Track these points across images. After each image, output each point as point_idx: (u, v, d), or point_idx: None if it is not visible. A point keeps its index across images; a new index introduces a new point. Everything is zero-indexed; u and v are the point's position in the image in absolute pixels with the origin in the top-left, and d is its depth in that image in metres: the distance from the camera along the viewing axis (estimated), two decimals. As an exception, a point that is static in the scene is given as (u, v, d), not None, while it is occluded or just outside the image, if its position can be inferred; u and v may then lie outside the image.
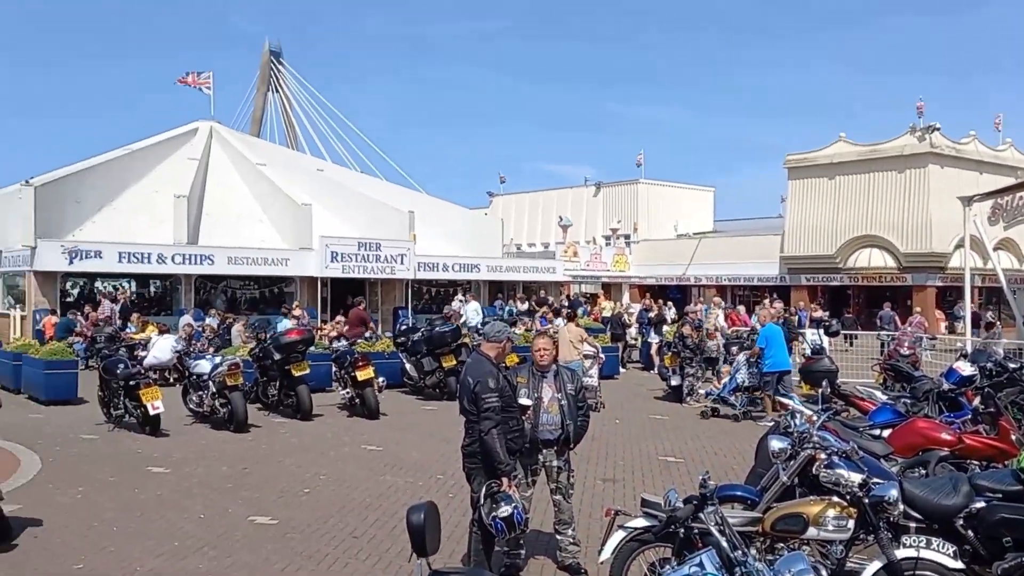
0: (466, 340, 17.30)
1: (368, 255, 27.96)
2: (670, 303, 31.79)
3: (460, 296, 27.72)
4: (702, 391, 15.54)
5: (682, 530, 5.05)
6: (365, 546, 7.54)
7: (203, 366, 13.74)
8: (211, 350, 17.09)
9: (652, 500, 5.68)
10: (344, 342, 16.17)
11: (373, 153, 49.23)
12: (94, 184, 27.91)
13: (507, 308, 29.14)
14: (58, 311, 23.14)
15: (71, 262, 24.09)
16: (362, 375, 14.31)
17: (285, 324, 18.56)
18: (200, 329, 20.77)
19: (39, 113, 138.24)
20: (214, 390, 13.31)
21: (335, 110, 51.48)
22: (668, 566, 4.87)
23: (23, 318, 24.26)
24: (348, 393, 14.78)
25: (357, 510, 8.69)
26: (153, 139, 32.57)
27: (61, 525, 8.03)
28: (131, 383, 12.73)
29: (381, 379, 14.79)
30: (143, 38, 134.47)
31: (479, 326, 20.68)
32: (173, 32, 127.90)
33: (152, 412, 12.40)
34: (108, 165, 29.64)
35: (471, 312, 24.64)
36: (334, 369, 16.05)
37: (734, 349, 16.48)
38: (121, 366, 13.11)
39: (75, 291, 26.01)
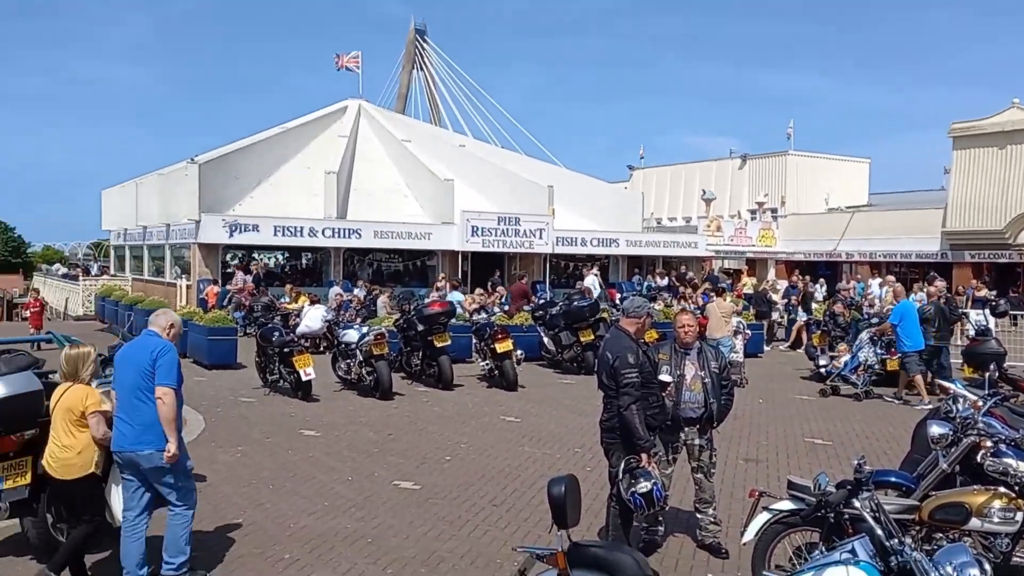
0: (604, 315, 17.22)
1: (507, 229, 28.20)
2: (821, 280, 30.54)
3: (594, 271, 27.51)
4: (822, 370, 15.04)
5: (832, 515, 4.83)
6: (504, 515, 7.66)
7: (351, 335, 14.29)
8: (358, 320, 17.74)
9: (800, 483, 5.47)
10: (484, 314, 16.40)
11: (513, 128, 49.66)
12: (252, 161, 29.40)
13: (645, 283, 28.76)
14: (219, 281, 24.65)
15: (231, 235, 25.50)
16: (501, 347, 14.49)
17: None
18: (348, 300, 21.61)
19: (205, 95, 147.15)
20: (361, 358, 13.82)
21: (476, 86, 52.00)
22: (817, 551, 4.69)
23: (188, 287, 25.93)
24: (487, 364, 15.02)
25: (497, 479, 8.83)
26: (306, 118, 33.92)
27: (222, 481, 8.58)
28: (285, 350, 13.39)
29: (519, 352, 14.94)
30: (298, 23, 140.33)
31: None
32: (326, 16, 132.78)
33: (304, 378, 13.02)
34: (265, 143, 31.13)
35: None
36: (474, 341, 16.33)
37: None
38: (276, 334, 13.83)
39: (234, 263, 27.56)
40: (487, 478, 8.88)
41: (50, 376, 7.52)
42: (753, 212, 47.73)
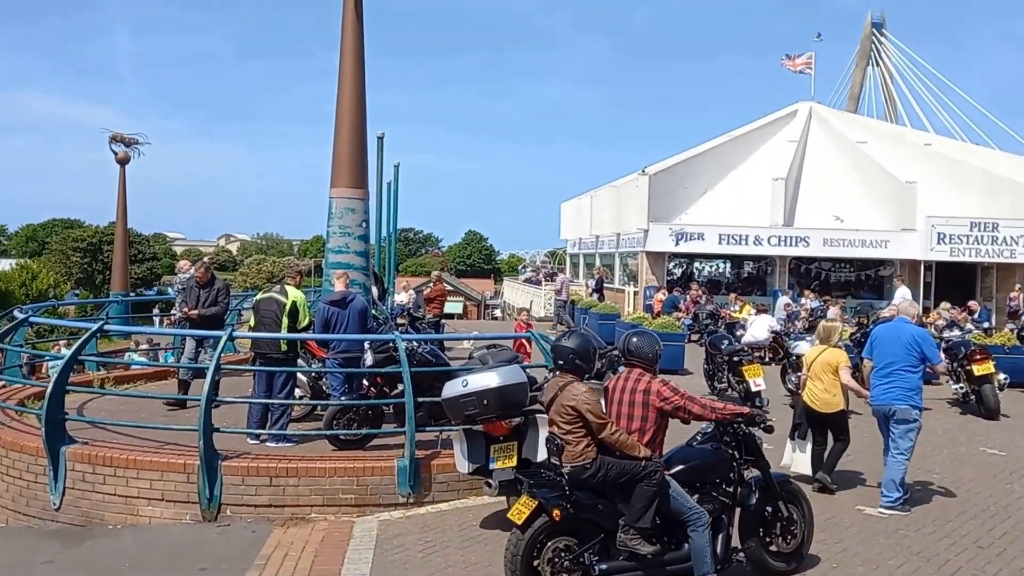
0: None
1: (982, 236, 25.04)
2: None
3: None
4: None
5: None
6: (994, 559, 6.68)
7: (803, 347, 13.66)
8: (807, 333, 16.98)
9: None
10: (957, 331, 14.65)
11: (984, 120, 43.99)
12: (699, 170, 29.91)
13: None
14: (664, 289, 25.44)
15: (677, 243, 26.24)
16: (979, 369, 12.79)
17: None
18: (796, 310, 20.85)
19: (654, 106, 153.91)
20: (813, 372, 13.15)
21: (941, 77, 47.29)
22: None
23: (635, 294, 27.20)
24: (961, 388, 13.36)
25: (980, 518, 7.76)
26: (754, 124, 33.62)
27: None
28: (735, 359, 13.25)
29: (1002, 376, 13.07)
30: (743, 26, 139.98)
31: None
32: (773, 16, 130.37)
33: (754, 388, 12.71)
34: (712, 152, 31.48)
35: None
36: (944, 360, 14.60)
37: None
38: (725, 342, 13.77)
39: (677, 271, 28.26)
40: (968, 515, 7.83)
41: (528, 369, 8.31)
42: None
